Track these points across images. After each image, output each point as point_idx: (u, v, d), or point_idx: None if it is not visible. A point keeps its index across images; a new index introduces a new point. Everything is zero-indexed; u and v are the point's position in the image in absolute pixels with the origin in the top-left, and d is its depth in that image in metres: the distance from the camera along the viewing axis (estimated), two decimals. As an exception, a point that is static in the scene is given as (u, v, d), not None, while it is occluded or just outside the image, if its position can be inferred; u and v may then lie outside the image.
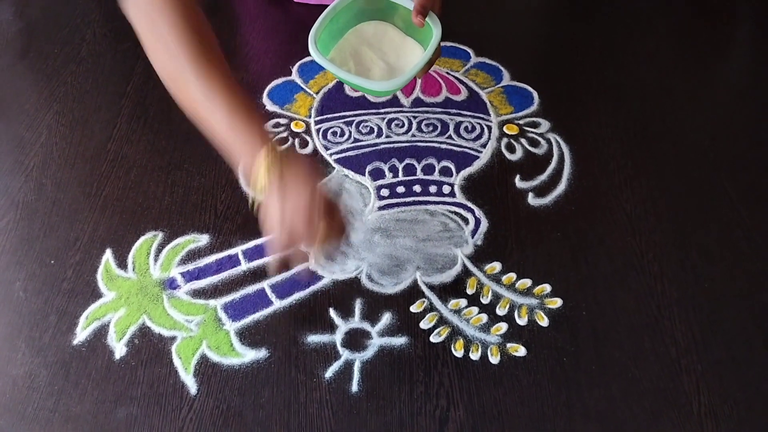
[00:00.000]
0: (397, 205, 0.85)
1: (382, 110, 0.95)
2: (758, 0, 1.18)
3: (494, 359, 0.71)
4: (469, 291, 0.76)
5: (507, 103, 0.97)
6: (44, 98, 0.99)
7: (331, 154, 0.90)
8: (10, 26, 1.12)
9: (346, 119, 0.94)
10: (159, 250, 0.80)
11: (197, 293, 0.76)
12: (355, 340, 0.72)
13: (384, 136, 0.92)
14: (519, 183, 0.87)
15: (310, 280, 0.76)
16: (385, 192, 0.86)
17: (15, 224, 0.83)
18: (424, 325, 0.74)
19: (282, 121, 0.94)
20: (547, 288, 0.76)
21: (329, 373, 0.70)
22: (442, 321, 0.74)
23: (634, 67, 1.04)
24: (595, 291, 0.76)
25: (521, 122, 0.95)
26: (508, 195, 0.86)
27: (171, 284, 0.77)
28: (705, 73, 1.04)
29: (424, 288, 0.77)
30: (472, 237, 0.81)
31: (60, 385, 0.69)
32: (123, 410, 0.67)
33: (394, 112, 0.95)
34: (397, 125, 0.93)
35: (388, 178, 0.87)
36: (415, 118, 0.94)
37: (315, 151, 0.91)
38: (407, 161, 0.89)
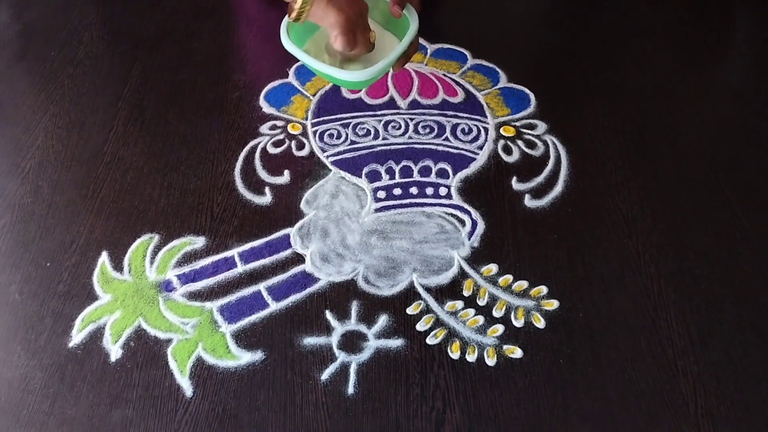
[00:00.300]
0: (394, 207, 0.84)
1: (379, 112, 0.95)
2: (755, 2, 1.19)
3: (491, 361, 0.71)
4: (466, 293, 0.76)
5: (504, 105, 0.97)
6: (41, 100, 0.99)
7: (327, 156, 0.90)
8: (7, 28, 1.12)
9: (342, 121, 0.94)
10: (155, 253, 0.80)
11: (193, 295, 0.76)
12: (351, 342, 0.72)
13: (381, 138, 0.92)
14: (516, 185, 0.87)
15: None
16: (381, 194, 0.86)
17: (11, 227, 0.83)
18: (421, 327, 0.73)
19: (279, 123, 0.94)
20: (543, 290, 0.76)
21: (325, 375, 0.70)
22: (438, 323, 0.74)
23: (631, 69, 1.04)
24: (592, 292, 0.76)
25: (518, 124, 0.95)
26: (505, 197, 0.86)
27: (167, 286, 0.77)
28: (702, 75, 1.04)
29: (420, 290, 0.77)
30: (469, 239, 0.81)
31: (55, 388, 0.69)
32: (118, 413, 0.67)
33: (391, 114, 0.95)
34: (393, 127, 0.93)
35: (385, 180, 0.87)
36: (411, 120, 0.94)
37: (312, 153, 0.91)
38: (404, 163, 0.89)
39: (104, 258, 0.80)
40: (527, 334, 0.73)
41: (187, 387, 0.69)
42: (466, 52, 1.05)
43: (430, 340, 0.72)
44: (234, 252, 0.80)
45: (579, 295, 0.76)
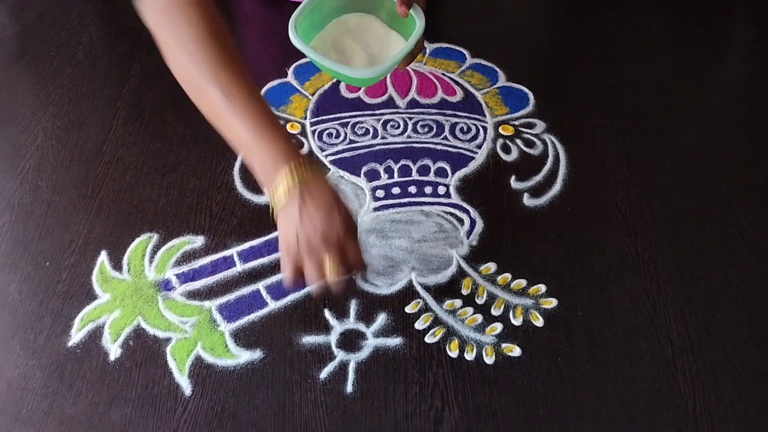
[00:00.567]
0: (393, 206, 0.85)
1: (378, 111, 0.95)
2: (754, 1, 1.19)
3: (489, 359, 0.71)
4: (464, 291, 0.76)
5: (502, 104, 0.97)
6: (40, 101, 0.99)
7: (326, 156, 0.90)
8: (6, 29, 1.12)
9: (341, 121, 0.94)
10: (154, 252, 0.80)
11: (192, 294, 0.76)
12: (350, 340, 0.72)
13: (379, 137, 0.92)
14: (514, 184, 0.87)
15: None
16: (380, 193, 0.86)
17: (10, 226, 0.83)
18: (419, 325, 0.74)
19: (278, 122, 0.94)
20: (542, 288, 0.76)
21: (324, 374, 0.70)
22: (437, 321, 0.74)
23: (630, 68, 1.04)
24: (591, 291, 0.76)
25: (517, 123, 0.95)
26: (504, 196, 0.86)
27: (166, 286, 0.77)
28: (701, 74, 1.04)
29: (419, 288, 0.77)
30: (467, 237, 0.81)
31: (54, 387, 0.69)
32: (117, 412, 0.67)
33: (390, 113, 0.95)
34: (392, 126, 0.93)
35: (384, 179, 0.87)
36: (410, 119, 0.95)
37: (310, 152, 0.91)
38: (403, 162, 0.89)
39: (103, 257, 0.80)
40: (526, 332, 0.73)
41: (186, 386, 0.69)
42: (465, 52, 1.05)
43: (429, 339, 0.72)
44: (233, 251, 0.80)
45: (577, 293, 0.76)
